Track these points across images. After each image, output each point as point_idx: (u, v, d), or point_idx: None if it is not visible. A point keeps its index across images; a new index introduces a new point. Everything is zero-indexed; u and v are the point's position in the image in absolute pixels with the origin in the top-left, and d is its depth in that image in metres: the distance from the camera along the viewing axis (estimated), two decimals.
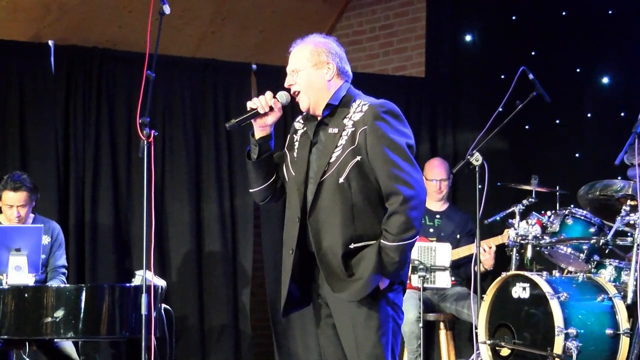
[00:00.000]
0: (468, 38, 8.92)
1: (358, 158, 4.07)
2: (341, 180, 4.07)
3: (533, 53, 8.36)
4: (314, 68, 4.20)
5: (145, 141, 4.92)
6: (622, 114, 7.78)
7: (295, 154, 4.26)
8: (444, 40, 9.04)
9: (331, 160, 4.10)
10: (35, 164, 7.42)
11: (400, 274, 4.12)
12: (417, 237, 4.10)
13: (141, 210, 5.15)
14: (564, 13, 8.29)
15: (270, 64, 8.51)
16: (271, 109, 4.21)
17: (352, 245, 4.08)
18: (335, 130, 4.14)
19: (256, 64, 8.38)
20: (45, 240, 6.46)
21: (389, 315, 4.15)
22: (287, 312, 4.35)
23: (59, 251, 6.58)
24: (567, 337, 5.86)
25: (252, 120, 4.25)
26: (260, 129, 4.26)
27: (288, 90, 4.27)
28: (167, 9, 5.00)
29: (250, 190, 4.40)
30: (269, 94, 4.21)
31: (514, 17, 8.61)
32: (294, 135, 4.33)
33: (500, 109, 6.53)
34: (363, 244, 4.09)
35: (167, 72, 7.84)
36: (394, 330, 4.17)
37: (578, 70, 8.18)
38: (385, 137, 4.06)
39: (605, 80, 8.02)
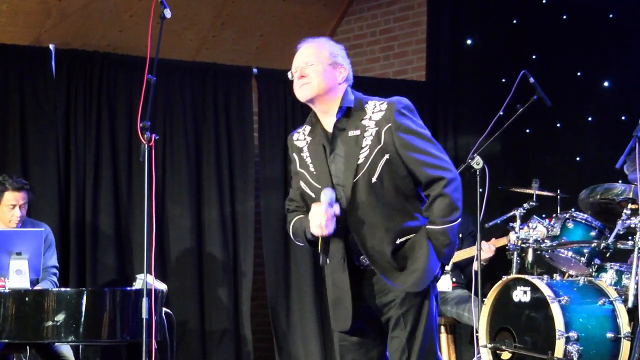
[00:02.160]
0: (469, 42, 8.92)
1: (387, 156, 4.12)
2: (374, 179, 4.12)
3: (534, 57, 8.36)
4: (330, 67, 4.24)
5: (146, 145, 4.93)
6: (623, 118, 7.78)
7: (312, 169, 4.27)
8: (445, 44, 9.04)
9: (360, 162, 4.14)
10: (36, 167, 7.42)
11: (452, 256, 4.23)
12: (460, 218, 4.20)
13: (142, 214, 5.14)
14: (564, 17, 8.29)
15: (270, 68, 8.52)
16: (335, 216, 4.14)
17: (398, 241, 4.16)
18: (357, 133, 4.17)
19: (257, 68, 8.39)
20: None
21: (434, 306, 4.24)
22: (354, 326, 4.28)
23: (49, 252, 6.58)
24: (568, 340, 5.86)
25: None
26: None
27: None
28: (168, 13, 5.01)
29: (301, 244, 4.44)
30: (324, 212, 4.08)
31: (514, 21, 8.61)
32: (302, 154, 4.33)
33: (501, 113, 6.54)
34: (406, 238, 4.17)
35: (167, 76, 7.84)
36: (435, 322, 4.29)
37: (579, 74, 8.18)
38: (412, 130, 4.16)
39: (606, 83, 8.02)
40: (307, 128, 4.36)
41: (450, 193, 4.14)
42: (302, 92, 4.27)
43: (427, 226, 4.16)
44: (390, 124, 4.13)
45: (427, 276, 4.15)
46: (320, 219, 4.09)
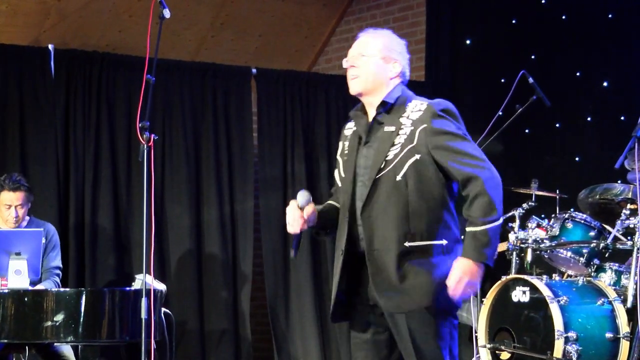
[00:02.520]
0: (468, 42, 8.92)
1: (417, 156, 4.04)
2: (398, 178, 4.04)
3: (533, 57, 8.36)
4: (382, 60, 4.16)
5: (145, 145, 4.93)
6: (622, 118, 7.78)
7: (346, 158, 4.24)
8: (444, 44, 9.04)
9: (388, 158, 4.06)
10: (35, 168, 7.41)
11: (494, 257, 4.07)
12: (502, 220, 4.07)
13: (141, 214, 5.14)
14: (564, 17, 8.30)
15: (270, 68, 8.52)
16: (302, 217, 4.14)
17: (407, 244, 4.03)
18: (392, 129, 4.10)
19: (256, 68, 8.39)
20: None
21: (443, 346, 4.09)
22: (336, 319, 4.27)
23: (53, 252, 6.57)
24: (567, 340, 5.86)
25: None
26: (311, 225, 4.21)
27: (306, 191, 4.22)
28: (167, 13, 5.01)
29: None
30: (292, 212, 4.13)
31: (513, 21, 8.61)
32: (345, 143, 4.29)
33: (500, 113, 6.54)
34: (417, 243, 4.03)
35: (166, 76, 7.84)
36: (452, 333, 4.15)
37: (578, 74, 8.18)
38: (447, 133, 4.06)
39: (605, 83, 8.02)
40: (357, 114, 4.27)
41: (489, 191, 3.98)
42: (351, 86, 4.19)
43: (468, 228, 4.04)
44: (425, 125, 4.05)
45: (418, 300, 4.01)
46: (288, 217, 4.13)
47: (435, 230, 4.06)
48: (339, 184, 4.25)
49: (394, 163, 4.05)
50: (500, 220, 4.04)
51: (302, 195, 4.15)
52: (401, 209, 4.03)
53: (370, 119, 4.19)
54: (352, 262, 4.15)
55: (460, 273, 3.99)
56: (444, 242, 4.07)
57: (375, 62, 4.15)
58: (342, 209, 4.19)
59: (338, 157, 4.31)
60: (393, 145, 4.07)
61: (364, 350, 4.21)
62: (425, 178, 4.05)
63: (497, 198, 4.02)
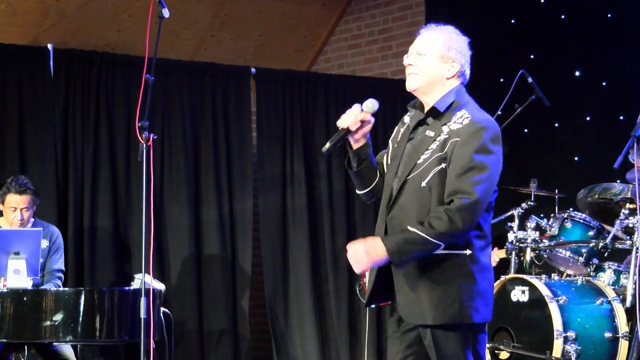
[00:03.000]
0: (467, 41, 8.91)
1: (442, 165, 3.95)
2: (424, 184, 3.97)
3: (532, 56, 8.35)
4: (439, 59, 4.06)
5: (144, 145, 4.93)
6: (621, 117, 7.78)
7: (395, 146, 4.16)
8: None
9: (418, 162, 4.01)
10: (35, 167, 7.41)
11: (398, 262, 3.93)
12: (431, 250, 3.91)
13: (140, 213, 5.14)
14: (563, 16, 8.29)
15: (269, 68, 8.52)
16: (362, 122, 4.06)
17: None
18: (432, 134, 4.03)
19: (255, 67, 8.38)
20: (44, 244, 6.47)
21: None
22: (370, 303, 4.22)
23: (56, 255, 6.57)
24: (566, 340, 5.86)
25: (347, 137, 4.10)
26: (356, 141, 4.11)
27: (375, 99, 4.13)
28: (166, 13, 5.01)
29: (358, 193, 4.28)
30: (356, 107, 4.05)
31: (512, 20, 8.61)
32: (400, 129, 4.21)
33: (499, 113, 6.53)
34: (438, 252, 3.93)
35: (166, 76, 7.84)
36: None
37: (577, 73, 8.18)
38: (472, 148, 3.92)
39: (604, 83, 8.02)
40: (415, 105, 4.18)
41: (455, 221, 3.84)
42: (407, 82, 4.11)
43: (413, 225, 3.90)
44: (458, 139, 3.95)
45: (437, 315, 3.95)
46: (346, 113, 4.04)
47: (455, 241, 3.96)
48: (385, 170, 4.17)
49: (421, 168, 3.99)
50: (434, 249, 3.89)
51: (372, 102, 4.07)
52: (422, 214, 3.96)
53: (423, 116, 4.12)
54: None
55: (364, 245, 3.94)
56: (467, 252, 3.99)
57: (432, 61, 4.06)
58: (383, 202, 4.12)
59: (389, 141, 4.23)
60: (426, 150, 4.01)
61: (395, 346, 4.15)
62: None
63: (453, 233, 3.88)
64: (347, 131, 4.05)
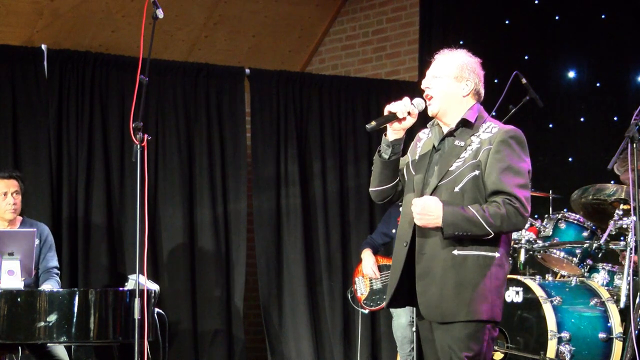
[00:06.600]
0: (461, 42, 8.92)
1: (476, 172, 4.15)
2: (457, 189, 4.15)
3: (526, 57, 8.37)
4: (454, 80, 4.31)
5: (139, 145, 4.93)
6: (615, 119, 7.79)
7: (417, 157, 4.34)
8: (437, 44, 9.01)
9: (450, 169, 4.18)
10: (28, 167, 7.41)
11: (449, 232, 4.09)
12: (489, 235, 4.09)
13: (134, 214, 5.15)
14: (556, 18, 8.30)
15: (263, 69, 8.52)
16: (409, 114, 4.24)
17: (455, 252, 4.13)
18: (462, 144, 4.22)
19: (249, 68, 8.39)
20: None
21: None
22: (392, 305, 4.37)
23: (50, 253, 6.57)
24: (560, 341, 5.87)
25: (388, 124, 4.26)
26: (395, 131, 4.28)
27: (423, 97, 4.33)
28: (160, 13, 5.01)
29: (371, 189, 4.43)
30: (407, 100, 4.25)
31: (506, 22, 8.62)
32: (417, 143, 4.41)
33: (494, 113, 6.52)
34: (466, 253, 4.13)
35: (160, 76, 7.84)
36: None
37: (571, 74, 8.19)
38: (506, 155, 4.14)
39: (598, 84, 8.03)
40: (433, 123, 4.39)
41: (511, 209, 4.07)
42: (429, 108, 4.31)
43: (477, 206, 4.08)
44: (490, 146, 4.16)
45: (457, 312, 4.10)
46: (400, 101, 4.21)
47: (486, 242, 4.13)
48: (407, 179, 4.33)
49: (454, 174, 4.17)
50: (483, 236, 4.08)
51: (421, 101, 4.28)
52: None
53: (444, 130, 4.31)
54: (413, 255, 4.23)
55: (425, 204, 4.10)
56: (496, 254, 4.16)
57: (447, 82, 4.31)
58: (410, 206, 4.23)
59: (408, 153, 4.42)
60: (458, 158, 4.19)
61: (426, 345, 4.31)
62: (482, 194, 4.15)
63: (507, 228, 4.10)
64: (394, 116, 4.23)
